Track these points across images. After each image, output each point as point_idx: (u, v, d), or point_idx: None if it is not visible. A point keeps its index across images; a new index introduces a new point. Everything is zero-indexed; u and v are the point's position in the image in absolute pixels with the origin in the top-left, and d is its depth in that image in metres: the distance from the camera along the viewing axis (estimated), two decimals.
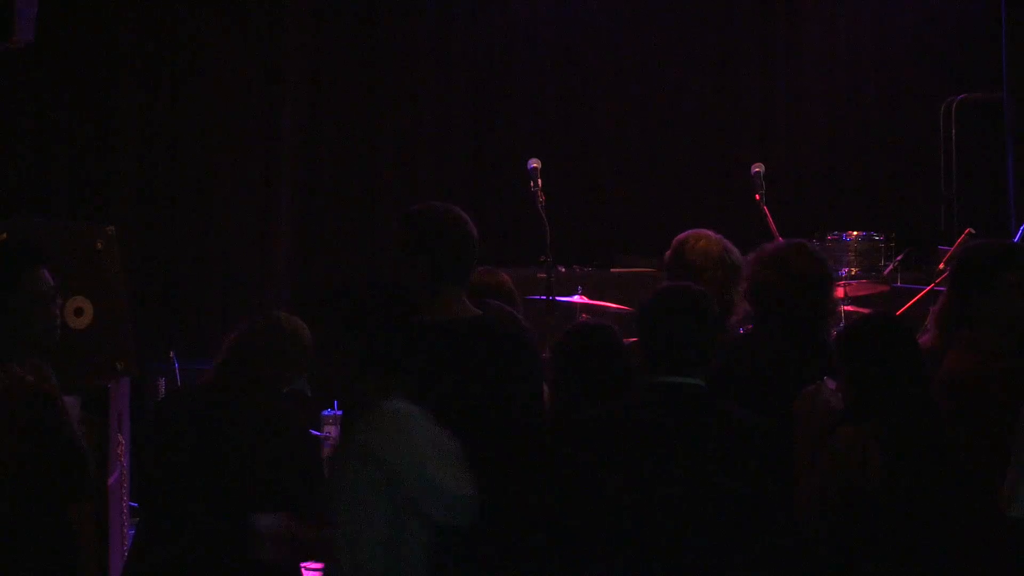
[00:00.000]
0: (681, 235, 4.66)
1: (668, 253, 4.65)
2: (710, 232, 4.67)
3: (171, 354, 7.12)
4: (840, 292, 6.94)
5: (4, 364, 3.72)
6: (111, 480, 5.26)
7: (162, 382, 7.15)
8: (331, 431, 7.30)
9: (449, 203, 3.96)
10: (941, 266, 6.88)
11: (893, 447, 3.70)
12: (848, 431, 3.76)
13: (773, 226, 6.45)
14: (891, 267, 7.68)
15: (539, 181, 6.17)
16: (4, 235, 5.15)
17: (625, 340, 4.17)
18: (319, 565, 6.61)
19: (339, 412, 7.42)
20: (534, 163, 6.23)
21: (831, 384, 3.96)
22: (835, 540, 3.75)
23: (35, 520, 3.73)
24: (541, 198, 6.11)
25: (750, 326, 4.57)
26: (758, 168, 6.94)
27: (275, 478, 3.93)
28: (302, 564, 4.13)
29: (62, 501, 3.83)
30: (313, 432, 5.50)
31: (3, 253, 3.85)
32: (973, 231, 6.92)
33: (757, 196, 6.76)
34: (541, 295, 6.17)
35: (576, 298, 6.97)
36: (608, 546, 3.54)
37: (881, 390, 3.77)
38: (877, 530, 3.71)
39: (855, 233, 7.75)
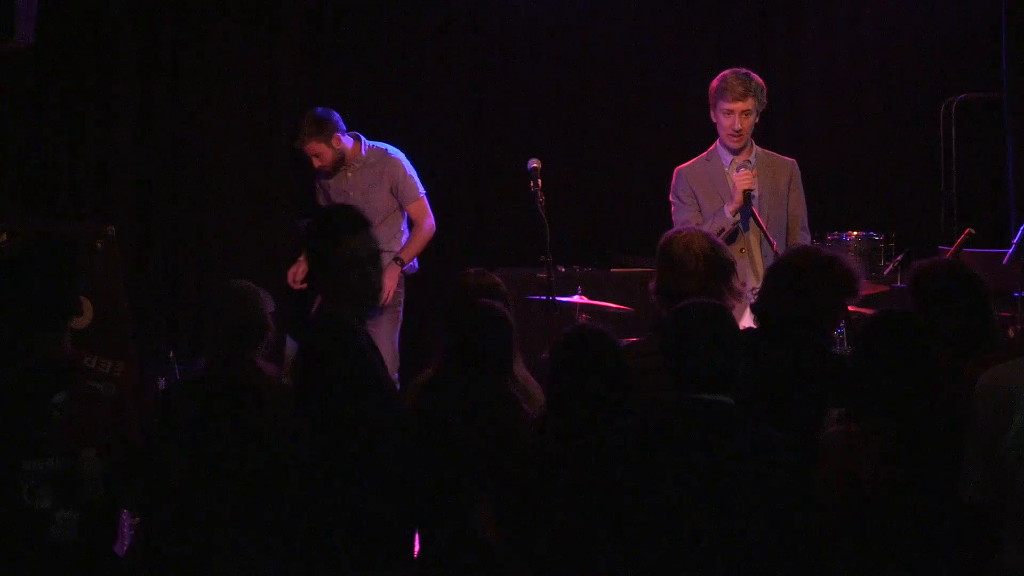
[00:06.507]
0: (669, 231, 4.72)
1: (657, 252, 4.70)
2: (699, 230, 4.71)
3: (171, 354, 7.11)
4: None
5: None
6: None
7: (162, 382, 7.15)
8: None
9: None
10: None
11: (893, 444, 3.71)
12: (847, 429, 3.77)
13: None
14: (891, 267, 7.67)
15: (539, 181, 6.17)
16: (4, 235, 5.15)
17: (624, 341, 4.18)
18: None
19: None
20: (534, 163, 6.23)
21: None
22: (834, 540, 3.76)
23: None
24: (541, 198, 6.11)
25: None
26: None
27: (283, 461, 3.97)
28: None
29: None
30: None
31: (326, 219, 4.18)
32: (973, 231, 6.91)
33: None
34: (541, 295, 6.17)
35: (576, 298, 6.97)
36: (631, 562, 3.53)
37: (889, 388, 3.78)
38: (873, 529, 3.71)
39: (855, 233, 7.75)
